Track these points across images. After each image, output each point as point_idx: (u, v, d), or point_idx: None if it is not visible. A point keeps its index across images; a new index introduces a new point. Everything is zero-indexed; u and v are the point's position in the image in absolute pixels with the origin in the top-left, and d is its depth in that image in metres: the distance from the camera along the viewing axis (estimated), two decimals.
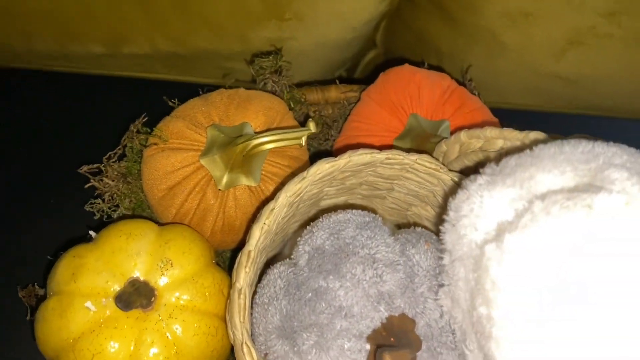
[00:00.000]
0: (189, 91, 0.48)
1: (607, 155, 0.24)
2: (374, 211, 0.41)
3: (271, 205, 0.31)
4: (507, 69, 0.67)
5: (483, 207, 0.25)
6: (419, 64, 0.53)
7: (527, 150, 0.27)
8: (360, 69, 0.84)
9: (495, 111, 0.62)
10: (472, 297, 0.25)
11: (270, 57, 0.48)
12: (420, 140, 0.41)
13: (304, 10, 0.59)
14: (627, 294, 0.21)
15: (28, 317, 0.40)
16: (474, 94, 0.50)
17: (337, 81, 0.52)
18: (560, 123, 0.65)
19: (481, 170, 0.27)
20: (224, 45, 0.61)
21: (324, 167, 0.32)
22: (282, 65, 0.48)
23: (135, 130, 0.40)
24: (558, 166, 0.24)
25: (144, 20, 0.59)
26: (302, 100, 0.48)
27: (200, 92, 0.46)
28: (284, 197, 0.31)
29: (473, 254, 0.25)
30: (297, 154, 0.41)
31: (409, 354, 0.26)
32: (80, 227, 0.42)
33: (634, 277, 0.21)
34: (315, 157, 0.48)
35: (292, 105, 0.47)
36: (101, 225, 0.41)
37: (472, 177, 0.27)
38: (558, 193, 0.23)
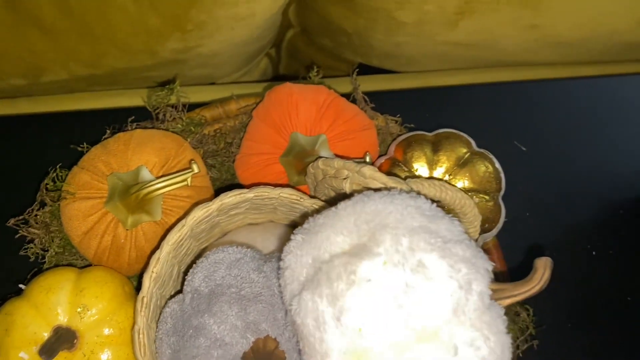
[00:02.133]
0: (102, 121, 0.53)
1: (383, 214, 0.30)
2: (272, 219, 0.47)
3: (157, 255, 0.37)
4: (408, 41, 0.71)
5: (295, 265, 0.31)
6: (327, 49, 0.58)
7: (333, 209, 0.32)
8: (284, 46, 0.88)
9: (419, 91, 0.67)
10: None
11: (165, 91, 0.52)
12: (301, 156, 0.47)
13: (203, 19, 0.62)
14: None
15: None
16: (362, 99, 0.55)
17: (234, 95, 0.56)
18: (478, 94, 0.69)
19: (306, 220, 0.33)
20: (135, 62, 0.65)
21: (199, 213, 0.38)
22: (178, 93, 0.52)
23: (44, 188, 0.45)
24: (346, 227, 0.30)
25: (53, 51, 0.62)
26: (202, 121, 0.53)
27: (107, 130, 0.51)
28: (167, 247, 0.37)
29: (291, 302, 0.31)
30: (197, 184, 0.47)
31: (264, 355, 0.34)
32: (21, 271, 0.48)
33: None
34: (226, 177, 0.53)
35: (193, 129, 0.52)
36: (37, 265, 0.48)
37: (294, 233, 0.33)
38: (338, 258, 0.29)
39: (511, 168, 0.60)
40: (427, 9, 0.66)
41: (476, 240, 0.45)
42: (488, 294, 0.29)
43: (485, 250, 0.53)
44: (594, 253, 0.60)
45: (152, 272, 0.37)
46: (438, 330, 0.27)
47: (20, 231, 0.48)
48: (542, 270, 0.33)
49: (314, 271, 0.30)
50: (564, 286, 0.58)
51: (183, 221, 0.38)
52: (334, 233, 0.30)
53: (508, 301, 0.32)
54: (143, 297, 0.37)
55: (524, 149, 0.63)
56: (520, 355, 0.51)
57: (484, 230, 0.46)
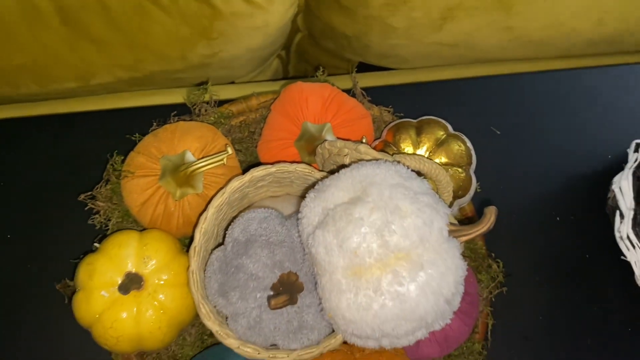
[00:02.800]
0: (148, 116, 0.65)
1: (372, 175, 0.41)
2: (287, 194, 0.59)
3: (205, 214, 0.49)
4: (400, 43, 0.82)
5: (310, 213, 0.43)
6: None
7: (336, 173, 0.44)
8: (293, 48, 0.99)
9: (409, 86, 0.78)
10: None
11: (200, 90, 0.64)
12: (311, 141, 0.59)
13: (225, 29, 0.74)
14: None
15: (66, 301, 0.60)
16: (361, 93, 0.67)
17: (255, 93, 0.68)
18: (460, 87, 0.80)
19: (316, 184, 0.45)
20: (169, 66, 0.77)
21: (235, 183, 0.50)
22: (210, 92, 0.64)
23: (110, 168, 0.57)
24: (346, 185, 0.41)
25: (100, 58, 0.74)
26: (230, 114, 0.65)
27: (154, 123, 0.63)
28: (212, 209, 0.49)
29: (308, 239, 0.43)
30: (229, 164, 0.59)
31: (287, 296, 0.45)
32: (89, 235, 0.60)
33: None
34: (250, 160, 0.65)
35: (223, 121, 0.64)
36: (101, 232, 0.60)
37: (308, 192, 0.45)
38: (340, 206, 0.41)
39: (488, 148, 0.72)
40: (415, 15, 0.77)
41: (451, 204, 0.56)
42: (446, 230, 0.41)
43: (465, 215, 0.65)
44: (558, 219, 0.71)
45: (202, 227, 0.49)
46: (410, 252, 0.38)
47: (88, 204, 0.60)
48: (489, 215, 0.44)
49: (323, 216, 0.41)
50: (532, 246, 0.70)
51: (223, 189, 0.50)
52: (337, 190, 0.42)
53: (464, 238, 0.43)
54: (195, 246, 0.49)
55: (498, 132, 0.74)
56: (493, 299, 0.63)
57: (458, 196, 0.58)
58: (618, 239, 0.68)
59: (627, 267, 0.68)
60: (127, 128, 0.64)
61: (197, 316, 0.56)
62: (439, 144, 0.57)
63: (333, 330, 0.49)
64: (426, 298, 0.39)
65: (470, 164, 0.58)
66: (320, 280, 0.43)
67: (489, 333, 0.62)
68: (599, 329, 0.67)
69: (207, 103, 0.63)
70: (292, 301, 0.47)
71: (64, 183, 0.66)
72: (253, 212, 0.50)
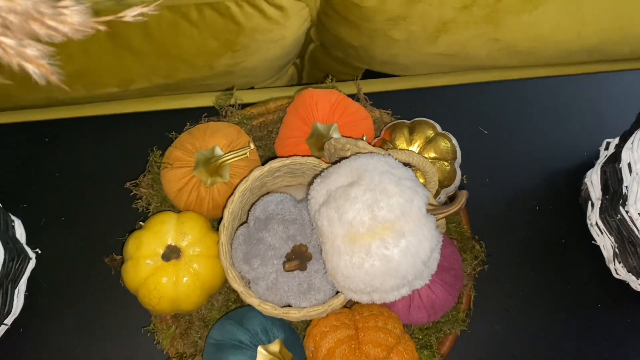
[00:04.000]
0: (182, 117, 0.76)
1: (366, 164, 0.52)
2: (302, 183, 0.69)
3: (232, 198, 0.60)
4: (400, 53, 0.93)
5: (316, 194, 0.53)
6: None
7: (338, 163, 0.54)
8: (307, 57, 1.10)
9: (407, 91, 0.88)
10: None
11: (226, 95, 0.75)
12: (320, 139, 0.69)
13: (247, 43, 0.85)
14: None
15: (113, 273, 0.71)
16: (364, 98, 0.77)
17: (272, 98, 0.79)
18: (453, 92, 0.91)
19: (322, 172, 0.56)
20: (198, 74, 0.88)
21: (257, 172, 0.61)
22: (235, 97, 0.75)
23: (153, 160, 0.69)
24: (345, 172, 0.52)
25: (139, 67, 0.86)
26: (251, 116, 0.76)
27: (188, 124, 0.74)
28: (238, 192, 0.60)
29: (315, 214, 0.53)
30: (251, 158, 0.70)
31: (299, 262, 0.56)
32: (132, 218, 0.71)
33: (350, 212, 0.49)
34: (268, 155, 0.76)
35: (246, 122, 0.75)
36: (143, 215, 0.71)
37: (317, 177, 0.55)
38: (340, 188, 0.51)
39: (476, 146, 0.83)
40: (413, 29, 0.87)
41: (438, 192, 0.67)
42: (424, 207, 0.51)
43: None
44: (537, 208, 0.81)
45: (229, 208, 0.60)
46: (394, 224, 0.49)
47: (133, 191, 0.71)
48: (461, 197, 0.54)
49: (327, 197, 0.52)
50: (513, 232, 0.80)
51: (247, 177, 0.61)
52: (338, 176, 0.52)
53: (440, 215, 0.53)
54: (224, 223, 0.60)
55: (485, 132, 0.84)
56: (476, 275, 0.73)
57: (444, 186, 0.68)
58: (589, 226, 0.78)
59: (598, 250, 0.78)
60: (164, 128, 0.76)
61: (223, 284, 0.68)
62: (428, 142, 0.67)
63: (337, 293, 0.59)
64: (406, 259, 0.49)
65: (455, 158, 0.68)
66: (324, 247, 0.54)
67: (472, 304, 0.72)
68: (571, 305, 0.77)
69: (232, 106, 0.74)
70: (302, 267, 0.58)
71: (109, 174, 0.77)
72: (271, 196, 0.61)
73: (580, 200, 0.80)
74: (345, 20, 0.89)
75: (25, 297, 0.73)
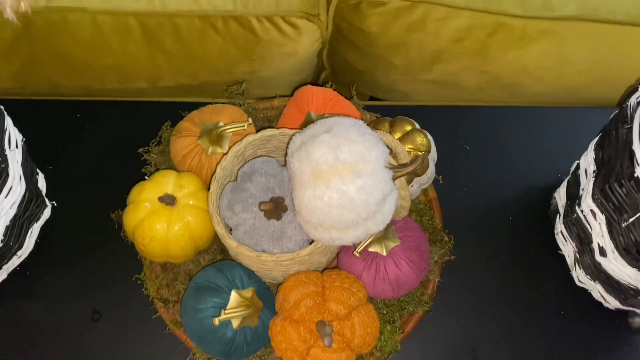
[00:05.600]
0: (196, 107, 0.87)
1: (338, 120, 0.60)
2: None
3: (225, 156, 0.69)
4: (400, 79, 1.03)
5: (293, 143, 0.62)
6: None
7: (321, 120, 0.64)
8: (320, 82, 1.22)
9: (409, 108, 0.98)
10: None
11: (236, 86, 0.86)
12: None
13: (264, 53, 0.97)
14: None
15: (116, 226, 0.80)
16: (357, 103, 0.87)
17: (278, 95, 0.89)
18: (441, 111, 1.00)
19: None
20: (218, 78, 1.00)
21: (250, 138, 0.70)
22: (244, 90, 0.86)
23: (165, 129, 0.79)
24: (319, 125, 0.61)
25: (169, 66, 0.98)
26: (256, 108, 0.86)
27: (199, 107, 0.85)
28: (231, 153, 0.69)
29: (289, 159, 0.62)
30: (249, 132, 0.79)
31: (273, 205, 0.64)
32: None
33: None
34: None
35: (250, 111, 0.85)
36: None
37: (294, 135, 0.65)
38: (312, 136, 0.60)
39: (458, 159, 0.91)
40: (411, 56, 0.98)
41: (410, 180, 0.74)
42: (382, 160, 0.59)
43: (429, 199, 0.82)
44: (510, 218, 0.87)
45: (222, 163, 0.69)
46: (353, 165, 0.57)
47: (144, 155, 0.81)
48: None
49: (301, 144, 0.61)
50: (486, 237, 0.86)
51: (241, 141, 0.70)
52: (313, 129, 0.61)
53: (397, 173, 0.61)
54: (215, 176, 0.68)
55: (467, 147, 0.92)
56: (444, 265, 0.79)
57: (417, 175, 0.76)
58: (556, 235, 0.84)
59: (564, 260, 0.83)
60: (180, 116, 0.86)
61: (212, 240, 0.75)
62: (406, 135, 0.76)
63: (309, 244, 0.67)
64: (360, 197, 0.57)
65: (429, 152, 0.76)
66: (294, 186, 0.62)
67: (435, 288, 0.77)
68: (535, 308, 0.81)
69: (241, 94, 0.85)
70: (277, 215, 0.66)
71: (126, 147, 0.87)
72: (259, 157, 0.70)
73: (550, 213, 0.86)
74: (352, 45, 1.01)
75: (36, 243, 0.82)
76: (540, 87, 1.01)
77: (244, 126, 0.75)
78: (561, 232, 0.81)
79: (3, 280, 0.79)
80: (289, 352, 0.68)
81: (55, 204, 0.84)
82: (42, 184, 0.81)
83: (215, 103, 0.86)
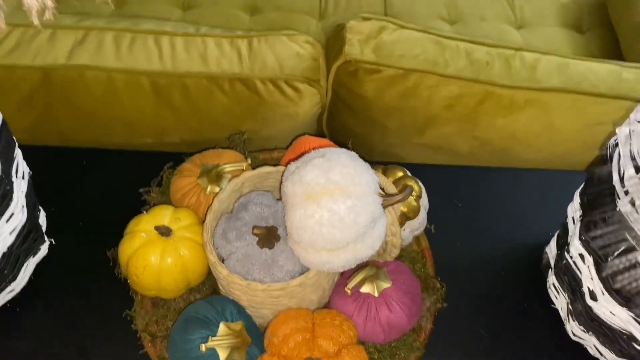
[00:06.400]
0: None
1: (332, 149, 0.64)
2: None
3: (222, 190, 0.72)
4: (395, 142, 1.08)
5: (287, 170, 0.65)
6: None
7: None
8: None
9: (405, 165, 1.02)
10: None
11: (238, 135, 0.90)
12: None
13: (266, 114, 1.02)
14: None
15: (111, 264, 0.80)
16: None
17: (277, 147, 0.93)
18: (436, 171, 1.03)
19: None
20: (222, 135, 1.04)
21: (248, 174, 0.73)
22: (245, 139, 0.90)
23: (167, 169, 0.82)
24: (315, 155, 0.64)
25: (175, 122, 1.03)
26: (256, 158, 0.90)
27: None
28: (229, 187, 0.72)
29: (283, 183, 0.64)
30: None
31: (265, 230, 0.65)
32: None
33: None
34: None
35: (250, 161, 0.89)
36: None
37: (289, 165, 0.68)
38: (307, 160, 0.63)
39: (449, 215, 0.93)
40: (406, 120, 1.04)
41: (402, 223, 0.76)
42: (373, 185, 0.61)
43: (421, 247, 0.83)
44: (503, 273, 0.88)
45: (219, 196, 0.71)
46: (344, 187, 0.59)
47: (144, 195, 0.84)
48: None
49: (295, 169, 0.63)
50: (478, 290, 0.86)
51: (239, 176, 0.73)
52: (308, 157, 0.64)
53: (386, 201, 0.63)
54: (211, 207, 0.70)
55: (460, 205, 0.95)
56: (436, 313, 0.78)
57: (409, 218, 0.77)
58: (548, 289, 0.84)
59: (557, 314, 0.83)
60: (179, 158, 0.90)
61: (204, 276, 0.76)
62: (397, 180, 0.79)
63: (299, 274, 0.67)
64: (350, 216, 0.58)
65: (420, 197, 0.79)
66: (287, 208, 0.63)
67: (427, 336, 0.76)
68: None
69: (242, 141, 0.89)
70: (269, 244, 0.67)
71: (128, 192, 0.90)
72: (253, 192, 0.73)
73: (542, 267, 0.86)
74: (350, 110, 1.07)
75: (30, 280, 0.82)
76: (530, 152, 1.05)
77: (242, 166, 0.78)
78: (553, 284, 0.81)
79: None
80: None
81: (54, 242, 0.85)
82: (42, 221, 0.83)
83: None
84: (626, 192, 0.60)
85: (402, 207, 0.76)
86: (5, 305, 0.80)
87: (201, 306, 0.70)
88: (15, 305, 0.81)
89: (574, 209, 0.75)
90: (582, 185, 0.75)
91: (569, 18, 1.60)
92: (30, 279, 0.82)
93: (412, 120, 1.04)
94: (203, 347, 0.64)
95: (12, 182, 0.70)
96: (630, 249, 0.61)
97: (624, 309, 0.65)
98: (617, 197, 0.61)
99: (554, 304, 0.83)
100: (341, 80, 1.04)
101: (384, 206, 0.63)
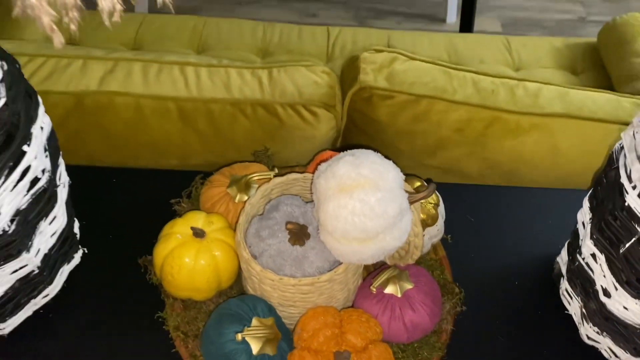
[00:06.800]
0: None
1: (362, 150, 0.69)
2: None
3: (254, 194, 0.77)
4: (405, 164, 1.12)
5: (319, 170, 0.70)
6: None
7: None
8: None
9: None
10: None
11: (262, 150, 0.95)
12: None
13: (286, 136, 1.08)
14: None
15: (142, 270, 0.84)
16: None
17: (299, 165, 0.99)
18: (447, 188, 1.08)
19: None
20: (245, 157, 1.10)
21: (277, 180, 0.78)
22: (269, 154, 0.96)
23: (198, 179, 0.87)
24: (346, 154, 0.69)
25: (199, 145, 1.09)
26: (278, 171, 0.95)
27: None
28: (260, 191, 0.77)
29: (316, 180, 0.69)
30: None
31: (299, 226, 0.70)
32: None
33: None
34: None
35: (276, 171, 0.94)
36: None
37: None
38: (338, 158, 0.68)
39: (463, 230, 0.97)
40: (417, 143, 1.10)
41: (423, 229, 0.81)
42: (399, 180, 0.66)
43: (438, 257, 0.87)
44: (516, 283, 0.91)
45: (251, 200, 0.76)
46: (374, 181, 0.63)
47: (175, 206, 0.88)
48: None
49: (327, 167, 0.68)
50: (492, 300, 0.89)
51: (269, 182, 0.78)
52: (339, 156, 0.69)
53: (412, 198, 0.68)
54: (244, 209, 0.75)
55: (472, 219, 0.99)
56: (456, 316, 0.81)
57: (428, 225, 0.82)
58: (561, 296, 0.87)
59: (571, 321, 0.86)
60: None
61: (235, 278, 0.79)
62: (416, 189, 0.84)
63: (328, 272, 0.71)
64: (380, 206, 0.63)
65: (438, 205, 0.83)
66: (320, 202, 0.68)
67: (449, 336, 0.79)
68: None
69: (267, 156, 0.94)
70: (300, 241, 0.71)
71: (160, 204, 0.94)
72: (283, 196, 0.77)
73: (553, 276, 0.90)
74: (364, 133, 1.13)
75: (63, 287, 0.85)
76: (536, 173, 1.10)
77: (270, 175, 0.83)
78: (566, 289, 0.85)
79: (25, 319, 0.81)
80: None
81: (86, 251, 0.88)
82: (77, 230, 0.87)
83: None
84: (634, 187, 0.65)
85: (421, 214, 0.81)
86: (38, 311, 0.83)
87: (234, 303, 0.73)
88: (49, 312, 0.83)
89: (583, 214, 0.79)
90: (590, 190, 0.80)
91: (563, 61, 1.69)
92: (63, 286, 0.85)
93: (424, 143, 1.10)
94: (239, 336, 0.67)
95: (57, 185, 0.75)
96: None
97: (637, 301, 0.69)
98: (625, 192, 0.66)
99: (568, 310, 0.86)
100: (356, 105, 1.10)
101: (410, 202, 0.68)
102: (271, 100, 1.08)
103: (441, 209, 0.85)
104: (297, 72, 1.12)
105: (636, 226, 0.65)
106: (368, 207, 0.63)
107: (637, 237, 0.65)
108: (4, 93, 0.61)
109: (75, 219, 0.89)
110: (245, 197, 0.83)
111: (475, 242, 0.96)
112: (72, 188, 0.86)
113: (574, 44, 1.76)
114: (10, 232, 0.66)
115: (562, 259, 0.87)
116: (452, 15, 2.70)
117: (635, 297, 0.69)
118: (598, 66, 1.68)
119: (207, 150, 1.10)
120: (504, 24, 2.78)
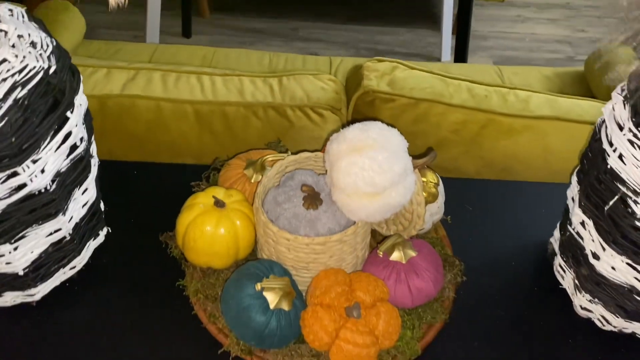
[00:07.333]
0: None
1: (371, 122, 0.77)
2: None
3: (268, 172, 0.84)
4: None
5: (332, 138, 0.77)
6: None
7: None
8: None
9: None
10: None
11: (275, 142, 1.03)
12: None
13: (295, 136, 1.16)
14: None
15: (163, 246, 0.90)
16: None
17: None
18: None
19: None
20: None
21: (292, 157, 0.85)
22: (283, 145, 1.03)
23: (216, 165, 0.94)
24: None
25: (213, 144, 1.17)
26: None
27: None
28: (276, 166, 0.84)
29: (328, 145, 0.76)
30: None
31: (313, 189, 0.76)
32: None
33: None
34: None
35: (290, 153, 1.01)
36: None
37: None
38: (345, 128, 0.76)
39: (461, 217, 1.04)
40: (417, 142, 1.17)
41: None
42: (403, 145, 0.73)
43: (438, 236, 0.93)
44: (513, 263, 0.97)
45: (267, 174, 0.83)
46: (381, 142, 0.71)
47: (195, 188, 0.95)
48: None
49: (337, 134, 0.75)
50: (490, 278, 0.94)
51: (284, 158, 0.85)
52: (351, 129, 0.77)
53: (414, 163, 0.75)
54: (262, 181, 0.82)
55: (470, 208, 1.06)
56: (457, 285, 0.87)
57: (429, 202, 0.88)
58: (555, 272, 0.93)
59: (565, 294, 0.91)
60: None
61: (249, 252, 0.85)
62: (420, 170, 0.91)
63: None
64: (387, 163, 0.70)
65: (438, 184, 0.90)
66: (332, 162, 0.74)
67: (451, 303, 0.84)
68: (541, 337, 0.87)
69: (281, 146, 1.02)
70: (314, 205, 0.77)
71: (178, 193, 1.01)
72: (299, 170, 0.84)
73: (547, 256, 0.96)
74: None
75: (88, 262, 0.91)
76: (529, 172, 1.18)
77: (284, 155, 0.90)
78: (559, 264, 0.91)
79: (52, 290, 0.86)
80: (319, 332, 0.74)
81: (110, 230, 0.94)
82: (102, 208, 0.93)
83: None
84: (614, 150, 0.72)
85: (423, 193, 0.87)
86: (65, 283, 0.88)
87: (252, 264, 0.79)
88: (74, 285, 0.89)
89: (572, 189, 0.86)
90: (577, 167, 0.87)
91: (553, 87, 1.80)
92: (88, 262, 0.91)
93: (424, 143, 1.18)
94: (259, 286, 0.72)
95: (92, 156, 0.82)
96: (623, 198, 0.72)
97: (624, 258, 0.75)
98: (607, 156, 0.73)
99: (562, 285, 0.91)
100: (360, 108, 1.19)
101: (414, 166, 0.75)
102: (281, 103, 1.16)
103: (441, 188, 0.92)
104: (305, 80, 1.22)
105: (618, 185, 0.72)
106: (376, 163, 0.70)
107: (619, 194, 0.72)
108: (54, 62, 0.69)
109: (101, 200, 0.95)
110: (261, 177, 0.90)
111: (472, 228, 1.02)
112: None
113: (563, 73, 1.87)
114: (51, 190, 0.72)
115: (555, 237, 0.94)
116: (447, 54, 2.84)
117: (621, 254, 0.75)
118: (586, 93, 1.78)
119: (221, 150, 1.17)
120: (495, 62, 2.92)
